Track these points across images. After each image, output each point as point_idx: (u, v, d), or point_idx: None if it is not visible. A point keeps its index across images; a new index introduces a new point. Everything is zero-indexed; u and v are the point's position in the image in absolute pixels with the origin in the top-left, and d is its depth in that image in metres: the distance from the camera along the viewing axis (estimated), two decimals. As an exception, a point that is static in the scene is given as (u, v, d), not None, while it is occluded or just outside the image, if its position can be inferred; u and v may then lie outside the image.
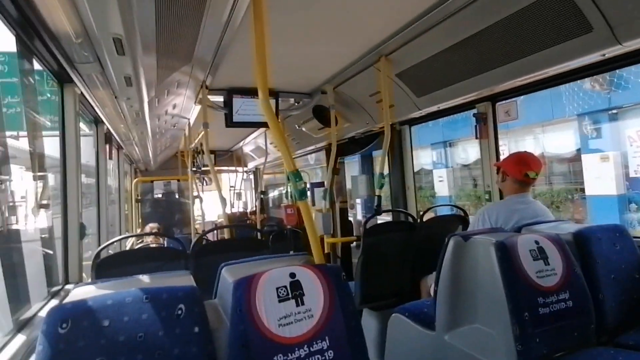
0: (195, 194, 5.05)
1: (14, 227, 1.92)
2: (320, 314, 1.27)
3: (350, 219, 5.41)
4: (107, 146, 3.46)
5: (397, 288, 2.94)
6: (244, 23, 2.06)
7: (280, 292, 1.26)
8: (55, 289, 1.92)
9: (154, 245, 4.27)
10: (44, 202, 2.23)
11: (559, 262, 1.71)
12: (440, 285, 1.88)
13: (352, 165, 8.38)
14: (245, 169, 7.99)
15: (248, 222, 6.85)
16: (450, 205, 6.34)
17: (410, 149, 3.86)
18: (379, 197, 2.98)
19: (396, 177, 3.85)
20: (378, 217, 3.30)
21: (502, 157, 2.69)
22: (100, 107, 2.58)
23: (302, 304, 1.27)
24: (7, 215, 1.87)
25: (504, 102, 2.77)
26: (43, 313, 1.59)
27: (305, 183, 1.68)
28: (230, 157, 7.89)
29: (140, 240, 4.85)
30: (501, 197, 2.68)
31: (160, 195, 7.96)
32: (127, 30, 1.43)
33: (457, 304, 1.85)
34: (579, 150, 9.25)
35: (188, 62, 2.54)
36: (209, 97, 3.46)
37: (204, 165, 5.79)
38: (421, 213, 3.17)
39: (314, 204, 5.33)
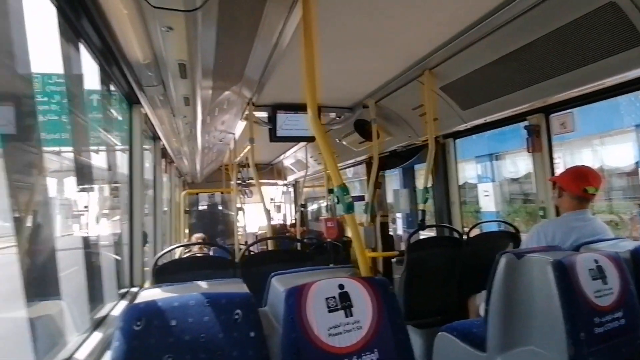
0: (238, 205, 5.23)
1: (93, 234, 2.12)
2: (368, 326, 1.29)
3: (391, 233, 5.35)
4: (163, 160, 3.70)
5: (442, 306, 2.86)
6: (292, 43, 2.17)
7: (329, 303, 1.29)
8: (122, 291, 2.07)
9: (199, 254, 4.46)
10: (105, 211, 2.44)
11: (617, 281, 1.65)
12: (491, 305, 1.83)
13: (392, 179, 8.30)
14: (285, 182, 8.17)
15: (287, 234, 6.96)
16: (499, 221, 6.09)
17: (455, 163, 3.79)
18: (423, 211, 2.95)
19: (440, 192, 3.79)
20: (421, 232, 3.26)
21: (557, 171, 2.58)
22: (159, 124, 2.78)
23: (351, 315, 1.29)
24: (87, 222, 2.07)
25: (558, 113, 2.67)
26: (115, 312, 1.73)
27: (351, 197, 1.72)
28: (270, 171, 8.10)
29: (187, 250, 5.08)
30: (557, 214, 2.56)
31: (204, 207, 8.30)
32: (191, 56, 1.57)
33: (510, 324, 1.79)
34: (637, 163, 8.61)
35: (238, 82, 2.70)
36: (255, 113, 3.62)
37: (248, 178, 5.99)
38: (467, 229, 3.09)
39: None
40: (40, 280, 1.33)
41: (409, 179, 5.57)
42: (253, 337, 1.19)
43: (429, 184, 3.26)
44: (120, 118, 2.50)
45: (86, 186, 2.21)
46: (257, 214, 8.10)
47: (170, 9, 1.20)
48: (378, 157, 3.75)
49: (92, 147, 2.13)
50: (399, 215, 7.02)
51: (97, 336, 1.38)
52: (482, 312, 2.29)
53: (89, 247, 1.99)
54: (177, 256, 4.50)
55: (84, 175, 2.07)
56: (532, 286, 1.71)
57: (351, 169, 7.41)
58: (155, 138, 3.50)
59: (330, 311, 1.28)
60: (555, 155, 2.76)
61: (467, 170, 13.01)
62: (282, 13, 1.88)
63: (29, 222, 1.26)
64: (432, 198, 3.85)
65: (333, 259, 4.16)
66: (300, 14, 1.74)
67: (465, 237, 2.94)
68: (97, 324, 1.56)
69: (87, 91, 1.96)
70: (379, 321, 1.30)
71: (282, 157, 7.10)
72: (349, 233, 6.71)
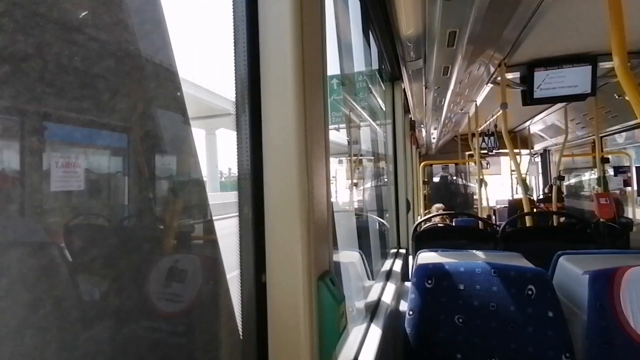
0: (480, 177, 4.96)
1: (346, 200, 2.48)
2: None
3: None
4: (411, 133, 3.91)
5: None
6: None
7: (653, 294, 1.06)
8: (393, 251, 2.37)
9: (441, 225, 4.52)
10: (354, 181, 2.77)
11: None
12: None
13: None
14: (531, 151, 7.16)
15: (536, 210, 6.13)
16: None
17: None
18: None
19: None
20: None
21: None
22: (410, 98, 2.93)
23: (687, 314, 1.02)
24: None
25: None
26: (396, 268, 2.00)
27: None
28: (513, 139, 7.24)
29: (426, 220, 5.25)
30: None
31: (438, 179, 8.31)
32: (462, 24, 1.55)
33: None
34: None
35: (494, 45, 2.49)
36: (507, 75, 3.27)
37: (496, 147, 5.59)
38: None
39: (639, 194, 4.16)
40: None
41: None
42: (552, 317, 1.11)
43: None
44: (376, 96, 2.76)
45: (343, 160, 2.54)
46: (494, 188, 7.50)
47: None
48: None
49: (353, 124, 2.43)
50: None
51: (391, 287, 1.63)
52: None
53: (361, 211, 2.35)
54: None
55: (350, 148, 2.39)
56: None
57: (623, 133, 5.75)
58: (406, 111, 3.72)
59: (654, 304, 1.05)
60: None
61: None
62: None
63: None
64: None
65: (608, 243, 3.41)
66: None
67: None
68: (387, 276, 1.84)
69: (362, 74, 2.24)
70: None
71: (528, 122, 6.23)
72: (629, 213, 5.31)
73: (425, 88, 2.65)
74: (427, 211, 6.37)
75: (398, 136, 2.46)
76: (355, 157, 3.13)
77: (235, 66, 0.59)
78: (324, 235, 0.61)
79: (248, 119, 0.58)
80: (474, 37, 1.87)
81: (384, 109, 2.82)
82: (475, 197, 7.49)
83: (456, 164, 7.78)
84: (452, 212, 4.33)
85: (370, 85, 2.71)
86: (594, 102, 3.85)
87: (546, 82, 3.23)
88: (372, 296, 1.47)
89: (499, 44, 2.59)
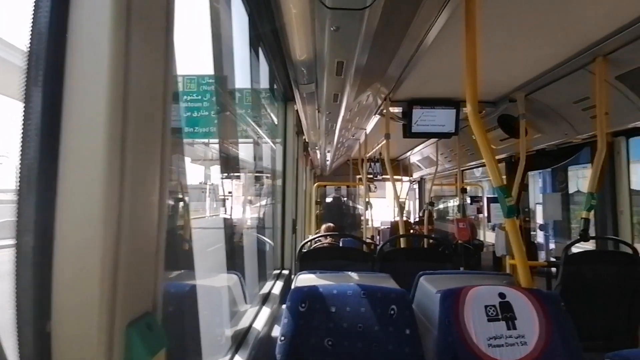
0: (367, 199, 5.32)
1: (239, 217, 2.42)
2: (535, 344, 1.18)
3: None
4: (304, 154, 4.00)
5: (605, 329, 2.45)
6: (437, 39, 2.09)
7: (489, 311, 1.23)
8: (276, 272, 2.33)
9: (327, 244, 4.68)
10: (249, 198, 2.73)
11: None
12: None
13: (531, 180, 7.36)
14: (410, 178, 7.99)
15: (412, 232, 6.81)
16: None
17: (627, 165, 3.18)
18: (587, 220, 2.53)
19: (604, 199, 3.22)
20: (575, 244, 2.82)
21: None
22: (304, 120, 3.01)
23: (514, 328, 1.20)
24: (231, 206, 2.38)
25: None
26: (275, 290, 1.96)
27: (511, 199, 1.59)
28: (396, 166, 8.02)
29: (316, 240, 5.39)
30: None
31: (330, 199, 8.68)
32: (349, 55, 1.65)
33: None
34: None
35: (380, 79, 2.73)
36: (390, 109, 3.61)
37: (380, 173, 6.07)
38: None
39: (489, 221, 4.92)
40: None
41: (556, 182, 4.87)
42: (408, 335, 1.20)
43: (584, 189, 2.79)
44: (269, 113, 2.78)
45: (230, 174, 2.48)
46: (379, 209, 8.13)
47: (343, 8, 1.27)
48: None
49: (238, 140, 2.39)
50: (539, 221, 6.23)
51: (266, 311, 1.58)
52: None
53: (250, 231, 2.27)
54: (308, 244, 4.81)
55: (227, 164, 2.32)
56: None
57: (480, 168, 6.87)
58: (299, 133, 3.81)
59: (489, 320, 1.21)
60: None
61: (634, 174, 10.69)
62: (434, 9, 1.82)
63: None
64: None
65: (464, 263, 3.93)
66: (453, 7, 1.67)
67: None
68: (264, 299, 1.79)
69: (251, 91, 2.22)
70: (547, 340, 1.18)
71: (409, 153, 6.97)
72: (480, 236, 6.25)
73: (318, 112, 2.76)
74: (317, 231, 6.57)
75: (288, 156, 2.49)
76: (252, 174, 3.08)
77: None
78: (146, 266, 0.50)
79: (40, 107, 0.44)
80: (361, 69, 2.01)
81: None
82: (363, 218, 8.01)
83: (347, 186, 8.23)
84: (336, 233, 4.53)
85: (265, 104, 2.71)
86: (457, 140, 4.47)
87: (422, 119, 3.65)
88: (245, 322, 1.41)
89: (385, 79, 2.84)
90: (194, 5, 1.43)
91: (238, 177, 2.88)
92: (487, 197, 5.55)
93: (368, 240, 4.59)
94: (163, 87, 0.53)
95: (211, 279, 1.39)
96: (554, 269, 2.98)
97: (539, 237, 6.55)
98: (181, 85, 1.59)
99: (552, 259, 3.83)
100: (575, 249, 2.97)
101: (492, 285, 1.29)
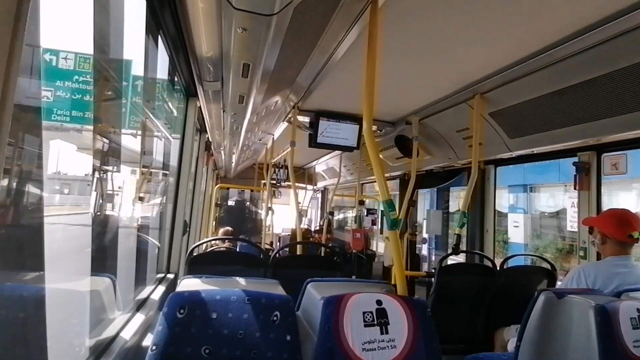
0: (269, 205, 5.29)
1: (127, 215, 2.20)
2: (403, 347, 1.28)
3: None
4: (206, 153, 3.82)
5: (467, 334, 2.79)
6: (346, 54, 2.19)
7: (366, 317, 1.29)
8: (159, 275, 2.14)
9: (224, 248, 4.53)
10: (140, 195, 2.51)
11: None
12: (524, 341, 1.77)
13: (420, 197, 8.17)
14: (314, 187, 8.21)
15: (311, 239, 6.97)
16: (536, 256, 5.90)
17: (494, 190, 3.71)
18: (459, 236, 2.89)
19: (475, 218, 3.71)
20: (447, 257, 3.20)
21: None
22: (208, 118, 2.87)
23: (387, 332, 1.29)
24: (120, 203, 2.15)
25: (611, 154, 2.57)
26: (155, 296, 1.79)
27: (396, 213, 1.72)
28: (301, 174, 8.16)
29: (213, 244, 5.17)
30: (598, 257, 2.46)
31: (233, 203, 8.45)
32: (256, 58, 1.62)
33: (542, 363, 1.73)
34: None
35: (289, 86, 2.75)
36: (298, 117, 3.67)
37: (285, 180, 6.08)
38: (502, 259, 3.01)
39: (381, 232, 5.28)
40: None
41: (441, 201, 5.47)
42: (289, 341, 1.20)
43: (458, 208, 3.20)
44: (169, 107, 2.59)
45: (119, 168, 2.25)
46: (282, 216, 8.18)
47: (250, 11, 1.25)
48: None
49: (130, 131, 2.19)
50: (425, 235, 6.92)
51: (139, 317, 1.44)
52: (510, 347, 2.22)
53: (137, 231, 2.06)
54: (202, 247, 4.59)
55: (115, 156, 2.10)
56: (570, 328, 1.66)
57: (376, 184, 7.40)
58: (202, 131, 3.62)
59: (366, 325, 1.28)
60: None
61: (498, 199, 12.56)
62: (345, 25, 1.91)
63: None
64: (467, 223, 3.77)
65: (356, 271, 4.14)
66: (362, 26, 1.77)
67: (499, 267, 2.86)
68: (140, 305, 1.63)
69: (148, 80, 2.04)
70: (414, 343, 1.28)
71: (314, 162, 7.15)
72: (374, 246, 6.68)
73: (223, 112, 2.66)
74: (213, 234, 6.33)
75: (185, 154, 2.35)
76: (146, 170, 2.82)
77: None
78: None
79: None
80: (268, 74, 2.00)
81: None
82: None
83: (252, 190, 8.10)
84: (230, 237, 4.42)
85: (164, 96, 2.52)
86: (360, 154, 4.74)
87: (327, 130, 3.78)
88: (112, 331, 1.26)
89: (294, 88, 2.87)
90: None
91: (131, 172, 2.62)
92: (382, 210, 5.98)
93: (267, 247, 4.57)
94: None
95: (72, 282, 1.22)
96: (433, 279, 3.31)
97: (424, 249, 7.28)
98: (54, 60, 1.38)
99: (433, 270, 4.26)
100: (451, 261, 3.36)
101: (372, 293, 1.36)
